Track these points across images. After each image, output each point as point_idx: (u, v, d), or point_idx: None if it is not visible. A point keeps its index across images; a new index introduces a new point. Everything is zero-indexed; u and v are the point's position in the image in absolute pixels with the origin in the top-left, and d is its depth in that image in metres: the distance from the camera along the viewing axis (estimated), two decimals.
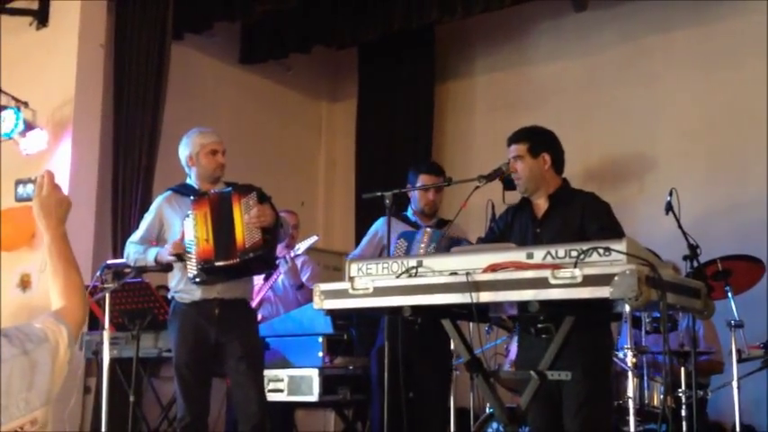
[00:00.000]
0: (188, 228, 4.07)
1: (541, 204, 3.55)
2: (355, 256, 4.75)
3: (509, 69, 7.36)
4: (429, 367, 4.48)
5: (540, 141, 3.58)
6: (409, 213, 4.78)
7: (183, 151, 4.26)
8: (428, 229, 4.47)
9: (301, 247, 5.35)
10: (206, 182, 4.24)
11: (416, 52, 7.46)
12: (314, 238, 5.43)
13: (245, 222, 4.00)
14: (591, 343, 3.28)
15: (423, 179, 4.67)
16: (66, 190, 5.63)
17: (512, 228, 3.62)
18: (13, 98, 5.70)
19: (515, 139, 3.60)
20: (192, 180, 4.28)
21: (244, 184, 4.15)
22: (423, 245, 4.36)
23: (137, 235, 4.32)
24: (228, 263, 4.01)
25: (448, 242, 4.23)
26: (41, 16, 6.03)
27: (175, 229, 4.17)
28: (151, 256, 4.17)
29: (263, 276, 5.43)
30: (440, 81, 7.56)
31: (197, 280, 4.06)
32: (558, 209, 3.50)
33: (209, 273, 4.04)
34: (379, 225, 4.75)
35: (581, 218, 3.44)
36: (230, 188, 4.13)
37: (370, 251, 4.67)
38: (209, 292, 4.10)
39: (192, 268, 4.04)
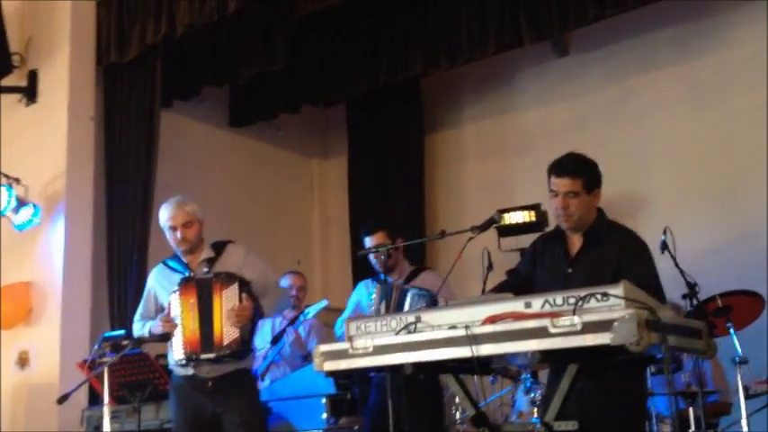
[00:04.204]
0: (174, 306, 4.10)
1: (575, 240, 3.35)
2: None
3: (497, 116, 7.41)
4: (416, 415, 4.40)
5: (593, 175, 3.33)
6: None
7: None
8: (378, 286, 4.57)
9: (310, 311, 5.32)
10: (183, 254, 4.24)
11: (404, 105, 7.52)
12: (324, 303, 5.39)
13: (224, 316, 4.01)
14: (623, 388, 3.15)
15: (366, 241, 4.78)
16: (60, 263, 5.71)
17: (542, 262, 3.42)
18: (5, 175, 5.72)
19: (569, 172, 3.29)
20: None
21: (226, 273, 4.12)
22: (374, 302, 4.48)
23: (138, 312, 4.37)
24: (208, 356, 4.03)
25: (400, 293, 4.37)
26: (30, 93, 6.07)
27: (166, 304, 4.21)
28: (146, 329, 4.22)
29: (269, 340, 5.41)
30: (428, 131, 7.61)
31: (183, 363, 4.08)
32: (592, 249, 3.30)
33: (195, 361, 4.06)
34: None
35: (617, 261, 3.22)
36: (211, 274, 4.12)
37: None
38: (199, 370, 4.10)
39: (180, 353, 4.05)
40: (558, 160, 3.36)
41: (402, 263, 4.82)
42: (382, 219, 5.23)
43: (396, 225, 5.01)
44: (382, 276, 4.73)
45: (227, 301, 4.02)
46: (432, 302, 4.35)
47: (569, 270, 3.32)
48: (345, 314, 4.89)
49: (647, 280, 3.06)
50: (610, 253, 3.27)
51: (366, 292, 4.77)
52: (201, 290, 4.06)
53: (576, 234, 3.37)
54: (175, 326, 4.05)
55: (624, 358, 2.73)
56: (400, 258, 4.80)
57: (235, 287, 4.05)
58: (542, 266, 3.43)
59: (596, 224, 3.36)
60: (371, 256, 4.73)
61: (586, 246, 3.33)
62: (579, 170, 3.31)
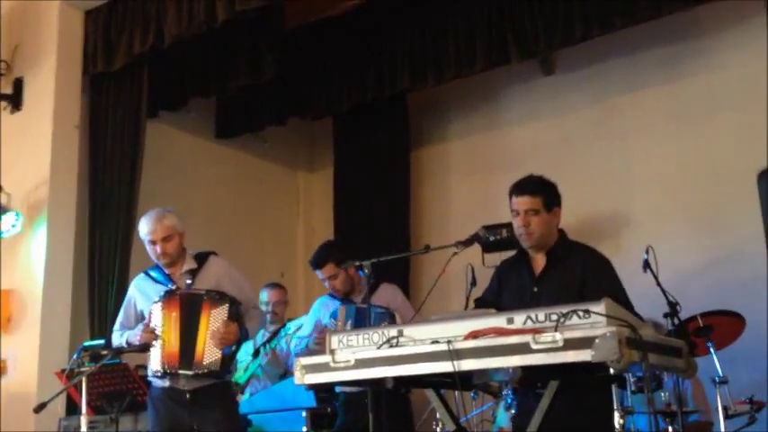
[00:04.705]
0: (155, 317, 4.08)
1: (539, 260, 3.44)
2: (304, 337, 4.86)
3: (483, 133, 7.44)
4: None
5: (552, 194, 3.45)
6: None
7: None
8: (342, 306, 4.59)
9: (291, 326, 5.30)
10: (164, 266, 4.22)
11: (390, 119, 7.52)
12: (305, 317, 5.37)
13: (208, 336, 4.00)
14: (592, 404, 3.21)
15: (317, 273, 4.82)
16: (41, 272, 5.67)
17: (507, 283, 3.50)
18: None
19: (528, 190, 3.41)
20: None
21: (217, 292, 4.10)
22: (340, 323, 4.51)
23: (117, 321, 4.35)
24: (186, 373, 4.02)
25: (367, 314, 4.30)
26: (15, 100, 6.04)
27: (147, 313, 4.18)
28: (125, 339, 4.20)
29: (251, 353, 5.38)
30: (415, 147, 7.62)
31: (160, 375, 4.07)
32: (556, 267, 3.39)
33: (171, 375, 4.05)
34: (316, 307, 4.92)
35: (581, 278, 3.32)
36: (203, 292, 4.10)
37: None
38: (176, 382, 4.09)
39: (157, 364, 4.03)
40: (518, 181, 3.51)
41: (359, 281, 4.74)
42: (325, 249, 4.94)
43: (342, 249, 4.89)
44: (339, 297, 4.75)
45: (213, 321, 4.01)
46: (391, 319, 4.40)
47: (535, 289, 3.41)
48: (304, 332, 4.87)
49: (616, 296, 3.10)
50: (574, 271, 3.36)
51: (326, 311, 4.74)
52: (188, 305, 4.04)
53: (538, 253, 3.46)
54: (155, 337, 4.03)
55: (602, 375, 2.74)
56: (356, 279, 4.75)
57: (224, 308, 4.04)
58: (508, 287, 3.50)
59: (558, 243, 3.46)
60: (327, 284, 4.74)
61: (549, 264, 3.42)
62: (538, 189, 3.45)
